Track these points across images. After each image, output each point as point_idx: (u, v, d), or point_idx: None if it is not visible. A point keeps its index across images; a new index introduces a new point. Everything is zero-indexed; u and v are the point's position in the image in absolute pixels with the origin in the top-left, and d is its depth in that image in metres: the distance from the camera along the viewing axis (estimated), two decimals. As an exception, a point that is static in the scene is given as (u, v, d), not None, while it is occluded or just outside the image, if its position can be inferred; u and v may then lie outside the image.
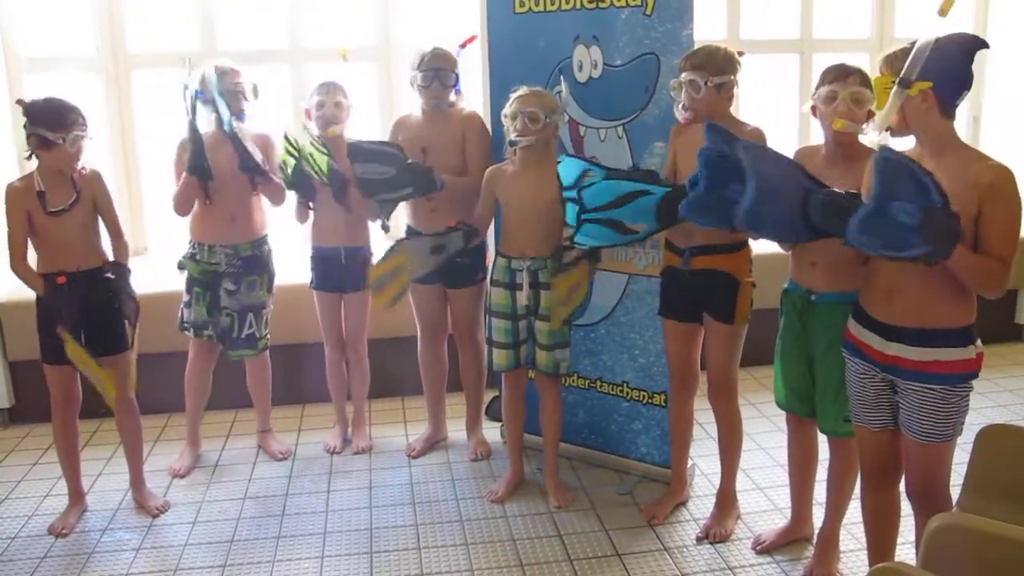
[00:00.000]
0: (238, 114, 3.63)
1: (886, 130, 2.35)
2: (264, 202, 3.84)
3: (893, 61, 2.31)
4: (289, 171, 3.64)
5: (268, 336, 3.93)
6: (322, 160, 3.59)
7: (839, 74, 2.65)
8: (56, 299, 3.23)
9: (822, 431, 2.92)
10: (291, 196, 3.81)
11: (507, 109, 3.29)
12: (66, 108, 3.18)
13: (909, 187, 2.03)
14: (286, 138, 3.63)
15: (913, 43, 2.28)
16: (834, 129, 2.63)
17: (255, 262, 3.80)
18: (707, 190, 2.51)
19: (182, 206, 3.67)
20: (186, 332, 3.85)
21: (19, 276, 3.30)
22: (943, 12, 2.22)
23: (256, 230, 3.81)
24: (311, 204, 3.79)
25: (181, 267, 3.80)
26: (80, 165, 3.24)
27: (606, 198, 3.00)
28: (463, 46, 3.77)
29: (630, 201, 2.98)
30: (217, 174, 3.60)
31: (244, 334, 3.81)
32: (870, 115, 2.61)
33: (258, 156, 3.62)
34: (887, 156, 2.06)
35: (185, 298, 3.82)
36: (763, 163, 2.37)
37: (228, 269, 3.75)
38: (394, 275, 3.47)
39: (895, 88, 2.25)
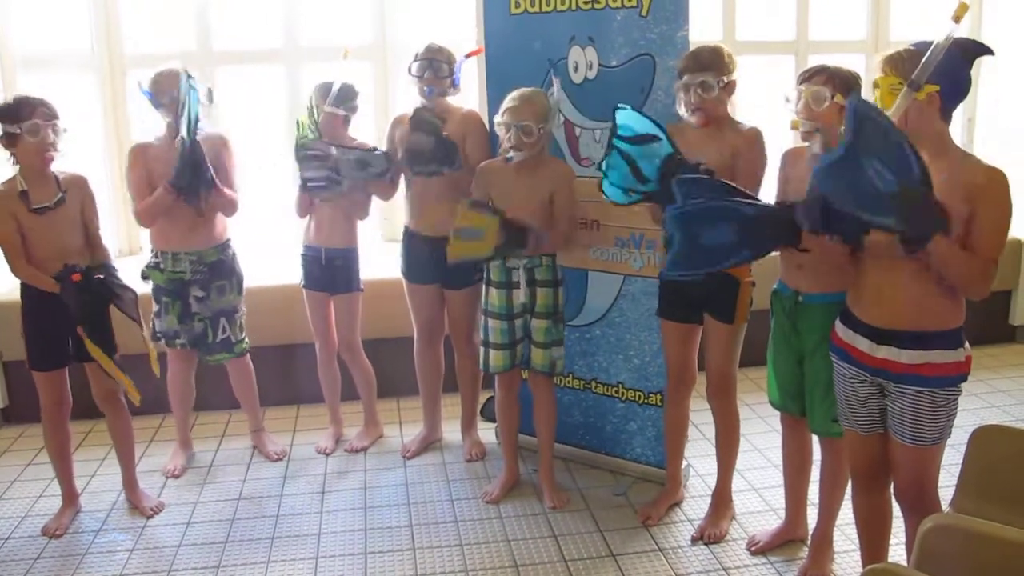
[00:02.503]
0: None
1: None
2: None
3: (898, 63, 2.30)
4: (305, 132, 3.67)
5: (245, 339, 3.89)
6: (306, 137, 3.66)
7: (806, 76, 2.69)
8: (47, 299, 3.22)
9: (812, 431, 2.93)
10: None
11: (499, 118, 3.28)
12: (23, 100, 3.15)
13: (890, 152, 2.04)
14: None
15: (918, 44, 2.28)
16: (790, 128, 2.68)
17: (221, 267, 3.74)
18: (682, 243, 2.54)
19: (151, 219, 3.57)
20: (158, 342, 3.78)
21: (23, 278, 3.26)
22: (957, 19, 2.23)
23: (218, 235, 3.73)
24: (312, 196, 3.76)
25: (145, 277, 3.71)
26: (50, 154, 3.15)
27: (632, 129, 2.89)
28: (468, 56, 3.78)
29: (647, 142, 2.88)
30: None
31: (219, 339, 3.78)
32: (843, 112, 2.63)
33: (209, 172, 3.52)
34: (862, 107, 2.06)
35: (155, 308, 3.75)
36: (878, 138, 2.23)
37: (194, 276, 3.69)
38: (476, 235, 3.24)
39: (904, 90, 2.25)
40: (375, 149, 3.76)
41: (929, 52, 2.22)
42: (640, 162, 2.88)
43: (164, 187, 3.47)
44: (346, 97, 3.76)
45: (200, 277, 3.70)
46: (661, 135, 2.85)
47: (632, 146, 2.89)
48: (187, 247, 3.66)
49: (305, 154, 3.62)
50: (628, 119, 2.89)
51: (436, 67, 3.64)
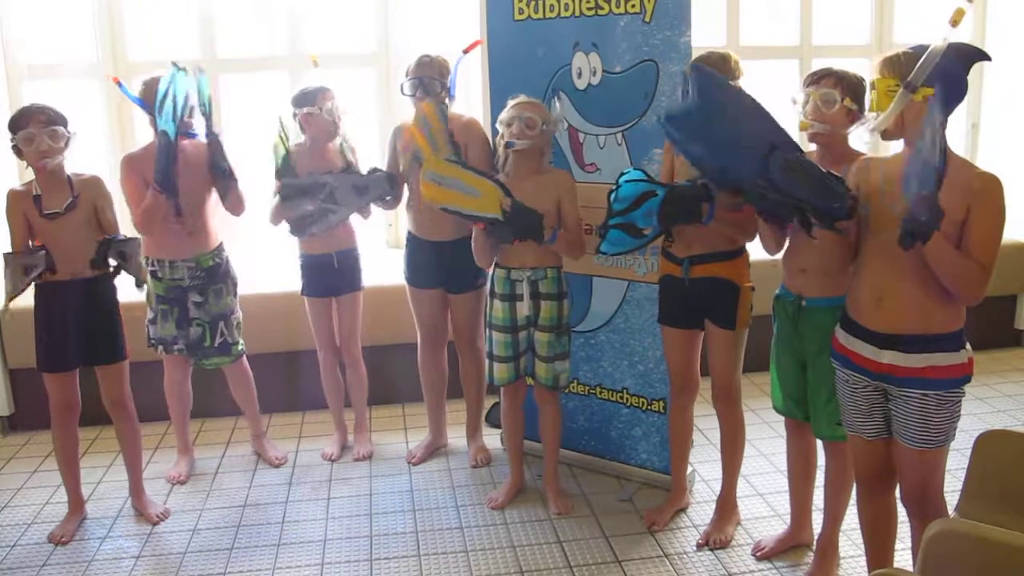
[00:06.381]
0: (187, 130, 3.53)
1: (881, 132, 2.38)
2: (219, 210, 3.73)
3: (896, 64, 2.32)
4: (278, 159, 3.66)
5: (242, 343, 3.87)
6: (280, 155, 3.65)
7: (814, 78, 2.71)
8: (58, 302, 3.23)
9: (816, 436, 2.93)
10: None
11: (504, 115, 3.29)
12: (23, 110, 3.19)
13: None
14: (280, 121, 3.65)
15: (916, 47, 2.30)
16: (799, 130, 2.70)
17: (217, 271, 3.72)
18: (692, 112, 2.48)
19: (148, 224, 3.50)
20: (154, 349, 3.78)
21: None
22: (955, 23, 2.24)
23: (213, 240, 3.71)
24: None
25: (139, 285, 3.58)
26: (44, 161, 3.16)
27: (627, 202, 2.94)
28: (466, 51, 3.77)
29: (644, 202, 2.91)
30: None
31: (217, 342, 3.76)
32: (852, 117, 2.66)
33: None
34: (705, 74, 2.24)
35: (150, 315, 3.74)
36: (728, 102, 2.43)
37: (193, 282, 3.67)
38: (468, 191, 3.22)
39: (900, 91, 2.27)
40: (376, 170, 3.72)
41: (926, 55, 2.24)
42: (640, 221, 2.92)
43: (152, 190, 3.41)
44: (311, 97, 3.72)
45: (198, 283, 3.68)
46: (658, 190, 2.88)
47: (633, 211, 2.93)
48: (185, 254, 3.64)
49: (291, 191, 3.59)
50: (628, 189, 2.92)
51: (427, 84, 3.62)
